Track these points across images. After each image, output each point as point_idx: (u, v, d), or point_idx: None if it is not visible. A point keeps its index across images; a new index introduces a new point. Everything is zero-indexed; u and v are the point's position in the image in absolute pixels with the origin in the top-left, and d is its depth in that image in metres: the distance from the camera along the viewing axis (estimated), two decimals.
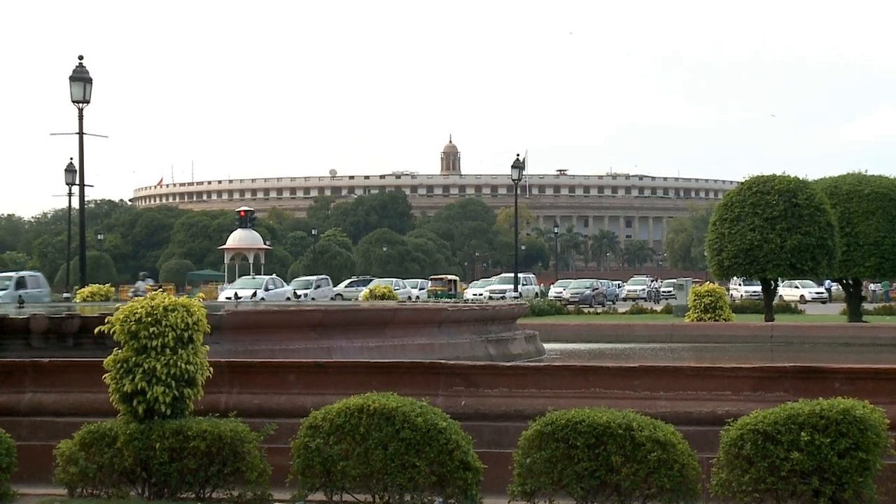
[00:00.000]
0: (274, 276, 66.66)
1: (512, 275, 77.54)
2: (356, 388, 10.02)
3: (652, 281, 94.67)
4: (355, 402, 9.28)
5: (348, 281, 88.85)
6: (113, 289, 39.58)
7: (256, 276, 64.61)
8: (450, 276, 77.84)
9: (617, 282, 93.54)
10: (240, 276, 71.86)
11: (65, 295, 59.30)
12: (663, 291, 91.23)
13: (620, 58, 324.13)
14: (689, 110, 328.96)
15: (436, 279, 75.38)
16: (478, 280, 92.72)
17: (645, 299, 77.49)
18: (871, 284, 72.91)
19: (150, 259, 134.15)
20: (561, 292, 71.55)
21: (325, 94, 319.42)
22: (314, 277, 70.15)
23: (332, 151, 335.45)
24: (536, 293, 71.14)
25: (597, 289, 73.81)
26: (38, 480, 10.46)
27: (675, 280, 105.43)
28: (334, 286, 75.60)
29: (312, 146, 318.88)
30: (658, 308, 52.05)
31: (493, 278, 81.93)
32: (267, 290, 55.75)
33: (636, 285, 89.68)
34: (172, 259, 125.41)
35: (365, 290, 67.87)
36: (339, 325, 16.42)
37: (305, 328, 15.87)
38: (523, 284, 71.49)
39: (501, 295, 62.74)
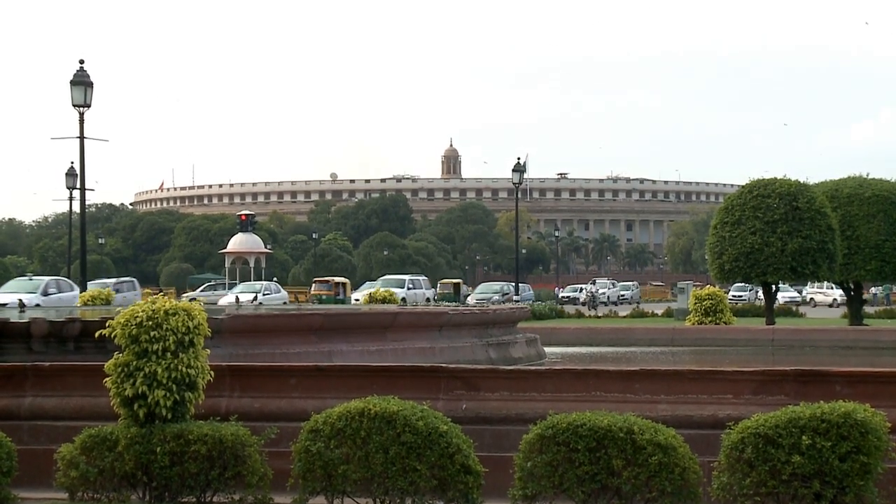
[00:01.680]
0: (59, 278, 55.93)
1: (399, 277, 72.05)
2: (357, 392, 10.01)
3: (590, 283, 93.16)
4: (356, 406, 9.28)
5: (206, 285, 79.77)
6: (114, 293, 39.61)
7: (34, 278, 53.53)
8: (337, 279, 69.22)
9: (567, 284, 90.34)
10: (235, 280, 71.19)
11: None
12: (621, 296, 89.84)
13: (620, 60, 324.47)
14: (691, 113, 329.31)
15: (320, 282, 66.88)
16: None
17: (582, 303, 73.50)
18: (872, 288, 73.17)
19: (150, 263, 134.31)
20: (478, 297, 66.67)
21: (325, 98, 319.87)
22: (112, 280, 56.70)
23: (333, 155, 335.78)
24: (427, 298, 63.34)
25: (507, 293, 69.11)
26: (38, 484, 10.47)
27: (630, 283, 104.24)
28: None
29: (313, 150, 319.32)
30: (659, 312, 51.96)
31: (378, 280, 72.67)
32: (46, 294, 45.94)
33: (600, 288, 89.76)
34: (173, 263, 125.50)
35: (228, 295, 62.30)
36: (339, 329, 16.45)
37: (306, 332, 15.89)
38: (409, 288, 64.26)
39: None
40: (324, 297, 59.43)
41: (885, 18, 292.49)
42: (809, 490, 8.46)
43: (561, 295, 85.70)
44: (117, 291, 48.81)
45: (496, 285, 75.96)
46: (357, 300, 59.13)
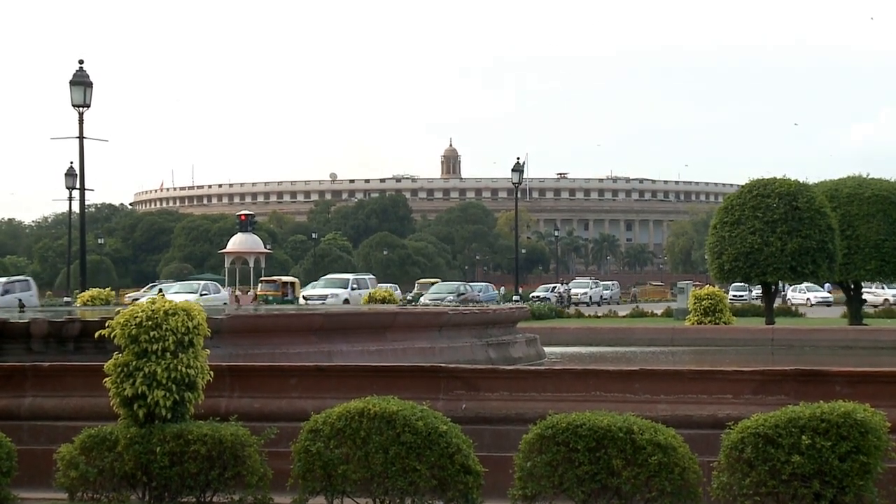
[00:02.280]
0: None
1: (342, 276, 67.09)
2: (357, 392, 10.01)
3: (560, 282, 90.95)
4: (356, 406, 9.27)
5: (150, 284, 73.37)
6: (113, 293, 39.64)
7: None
8: (285, 279, 64.67)
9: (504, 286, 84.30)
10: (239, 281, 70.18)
11: (65, 299, 59.34)
12: (602, 296, 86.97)
13: (621, 60, 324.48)
14: (690, 113, 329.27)
15: (267, 282, 62.38)
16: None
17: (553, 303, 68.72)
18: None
19: (150, 263, 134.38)
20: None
21: (325, 98, 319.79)
22: (3, 279, 49.78)
23: (333, 155, 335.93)
24: None
25: (462, 294, 63.42)
26: (38, 484, 10.47)
27: (610, 282, 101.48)
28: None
29: (313, 150, 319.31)
30: (659, 311, 51.98)
31: (321, 280, 67.15)
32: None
33: (579, 288, 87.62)
34: (173, 263, 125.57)
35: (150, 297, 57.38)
36: (339, 329, 16.45)
37: (306, 332, 15.89)
38: (353, 288, 58.32)
39: (321, 300, 53.08)
40: (270, 297, 55.81)
41: (887, 16, 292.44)
42: (809, 490, 8.45)
43: (532, 295, 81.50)
44: (6, 292, 44.64)
45: (452, 285, 69.30)
46: (300, 300, 55.27)
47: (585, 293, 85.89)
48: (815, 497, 8.46)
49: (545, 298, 74.74)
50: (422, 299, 61.82)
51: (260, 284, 63.03)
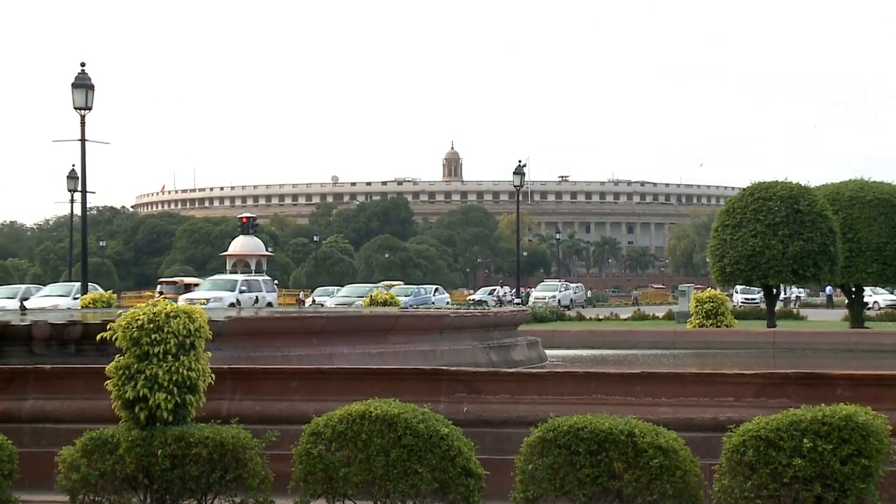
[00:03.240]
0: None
1: (230, 277, 59.57)
2: (358, 395, 10.01)
3: (500, 285, 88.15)
4: (357, 409, 9.27)
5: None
6: (115, 295, 39.64)
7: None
8: (187, 280, 60.80)
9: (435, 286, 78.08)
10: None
11: None
12: (572, 299, 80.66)
13: (623, 62, 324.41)
14: (692, 116, 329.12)
15: (167, 283, 58.93)
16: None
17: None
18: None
19: (152, 265, 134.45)
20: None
21: (327, 101, 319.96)
22: None
23: (334, 158, 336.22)
24: (269, 302, 52.95)
25: None
26: (40, 487, 10.47)
27: (575, 285, 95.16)
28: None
29: (314, 153, 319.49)
30: (660, 314, 51.95)
31: (206, 281, 58.96)
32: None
33: (546, 291, 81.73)
34: (174, 265, 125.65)
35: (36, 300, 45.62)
36: (341, 332, 16.45)
37: (307, 335, 15.89)
38: (242, 290, 51.46)
39: (203, 304, 49.19)
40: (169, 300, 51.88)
41: (886, 24, 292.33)
42: (811, 493, 8.44)
43: (469, 298, 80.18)
44: None
45: (364, 287, 63.88)
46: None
47: (554, 297, 77.85)
48: (817, 500, 8.45)
49: (482, 302, 72.46)
50: (328, 303, 58.03)
51: (159, 286, 59.41)
